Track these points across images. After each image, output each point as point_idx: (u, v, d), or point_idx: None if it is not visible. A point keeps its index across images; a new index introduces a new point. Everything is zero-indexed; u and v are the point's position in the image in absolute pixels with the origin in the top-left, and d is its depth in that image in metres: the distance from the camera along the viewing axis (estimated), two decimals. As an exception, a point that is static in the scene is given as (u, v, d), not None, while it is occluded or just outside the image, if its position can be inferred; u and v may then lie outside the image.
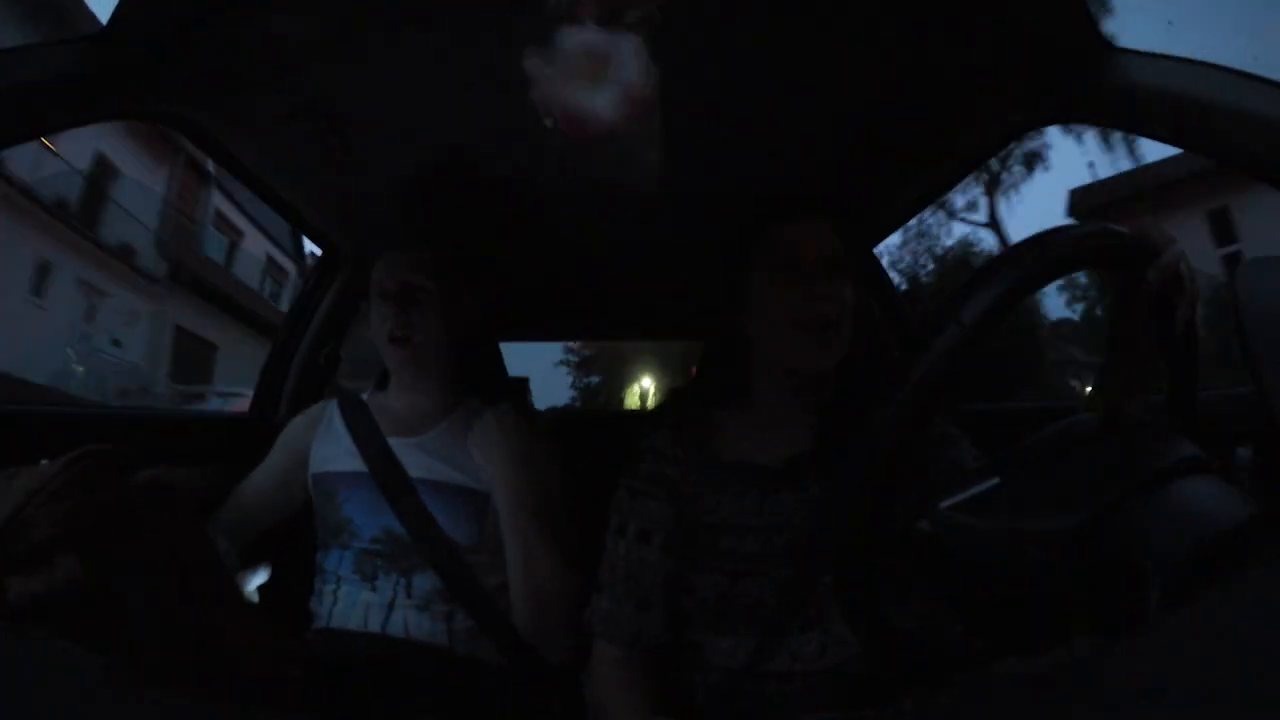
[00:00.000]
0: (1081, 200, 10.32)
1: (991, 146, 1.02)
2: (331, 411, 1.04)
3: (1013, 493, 0.43)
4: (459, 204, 1.21)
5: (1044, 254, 0.43)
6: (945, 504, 0.43)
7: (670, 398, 0.98)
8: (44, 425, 0.98)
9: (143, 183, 11.26)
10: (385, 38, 0.78)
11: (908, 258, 11.44)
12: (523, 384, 1.59)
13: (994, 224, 11.29)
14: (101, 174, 10.46)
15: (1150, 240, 0.48)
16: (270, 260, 15.60)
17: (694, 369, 0.96)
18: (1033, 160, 11.14)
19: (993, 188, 11.17)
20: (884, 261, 1.53)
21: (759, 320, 0.81)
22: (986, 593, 0.44)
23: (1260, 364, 0.39)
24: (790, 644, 0.71)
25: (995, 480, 0.44)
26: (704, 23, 0.76)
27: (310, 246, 1.44)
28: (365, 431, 0.98)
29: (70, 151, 9.46)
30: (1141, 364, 0.55)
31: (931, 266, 11.36)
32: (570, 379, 16.54)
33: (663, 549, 0.78)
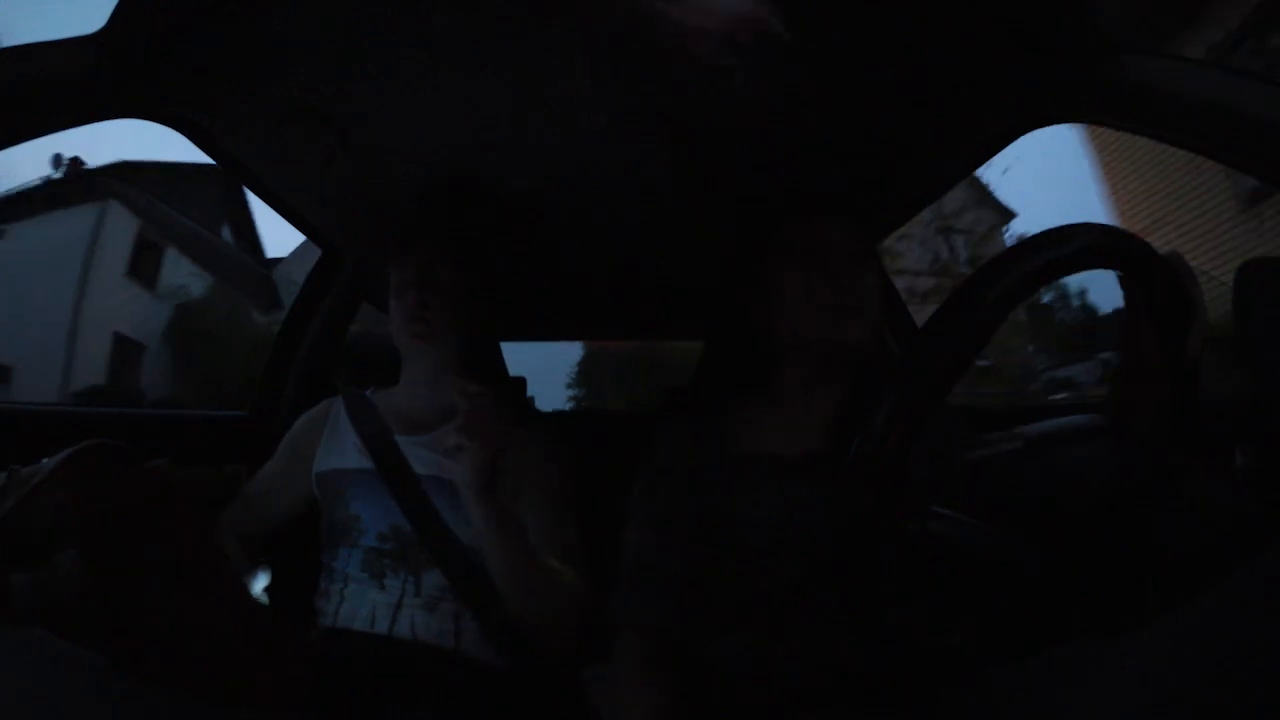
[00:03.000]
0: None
1: (991, 146, 1.02)
2: (337, 410, 1.04)
3: (1016, 484, 0.44)
4: (459, 204, 1.21)
5: (1071, 243, 0.43)
6: (970, 456, 0.44)
7: (674, 396, 0.98)
8: (44, 424, 0.98)
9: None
10: (385, 37, 0.78)
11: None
12: (520, 383, 1.59)
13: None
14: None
15: (1175, 269, 0.49)
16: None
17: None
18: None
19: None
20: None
21: (787, 307, 0.81)
22: (986, 593, 0.44)
23: (1260, 364, 0.39)
24: (794, 643, 0.71)
25: (1019, 442, 0.44)
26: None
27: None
28: (372, 429, 0.97)
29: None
30: (1153, 377, 0.56)
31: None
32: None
33: (683, 539, 0.77)
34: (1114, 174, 7.75)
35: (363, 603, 0.89)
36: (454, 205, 1.20)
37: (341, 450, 0.98)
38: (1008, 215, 13.55)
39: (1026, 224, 13.62)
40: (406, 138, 1.00)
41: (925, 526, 0.44)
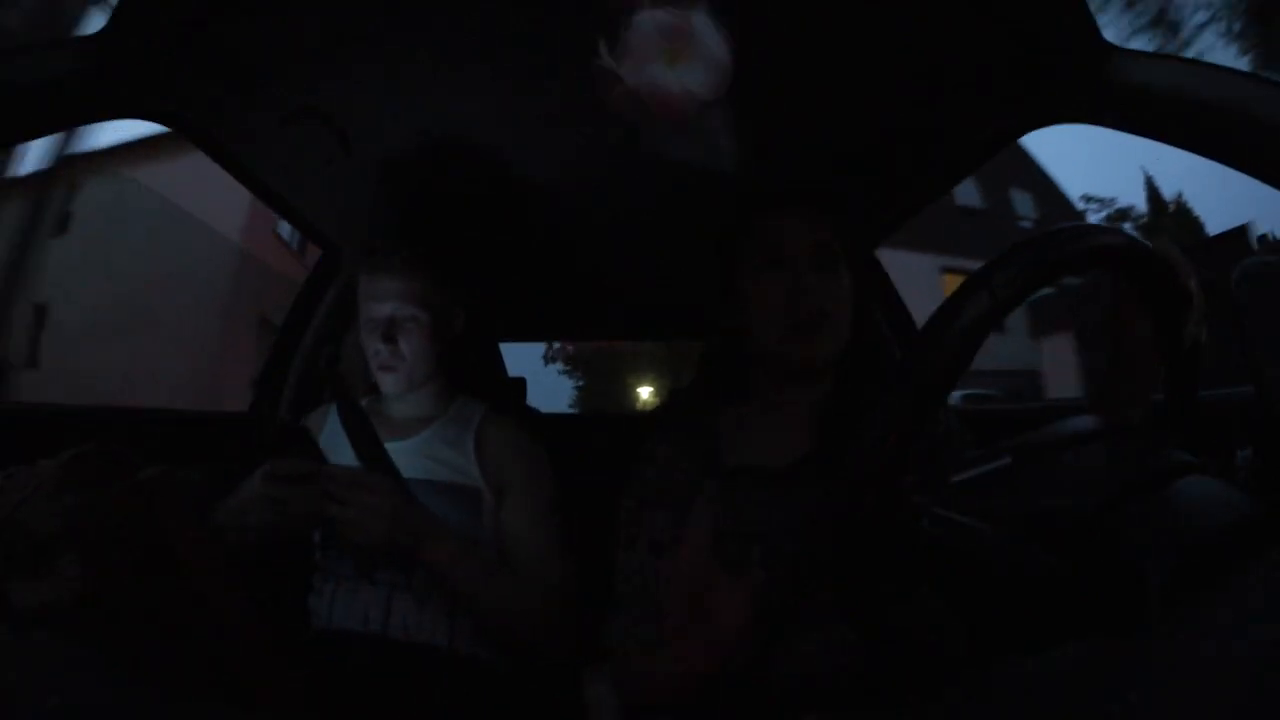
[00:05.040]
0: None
1: (991, 147, 1.02)
2: (332, 416, 1.04)
3: (1015, 484, 0.44)
4: (459, 204, 1.21)
5: (1072, 244, 0.43)
6: (955, 479, 0.44)
7: (671, 400, 0.98)
8: (44, 424, 0.98)
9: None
10: (386, 38, 0.78)
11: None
12: (520, 384, 1.59)
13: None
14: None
15: (1170, 258, 0.49)
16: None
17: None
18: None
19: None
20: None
21: (750, 316, 0.80)
22: (986, 593, 0.44)
23: (1260, 364, 0.39)
24: (792, 647, 0.71)
25: (1006, 459, 0.44)
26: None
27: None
28: (362, 436, 0.98)
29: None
30: (1143, 371, 0.56)
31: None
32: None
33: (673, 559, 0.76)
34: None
35: (355, 600, 0.89)
36: (447, 206, 1.20)
37: (336, 457, 0.99)
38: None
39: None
40: (406, 138, 1.00)
41: (925, 526, 0.44)
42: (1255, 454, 0.54)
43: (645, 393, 14.72)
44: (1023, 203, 15.22)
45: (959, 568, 0.44)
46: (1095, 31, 0.70)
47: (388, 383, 1.00)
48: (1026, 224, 14.45)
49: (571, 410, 11.62)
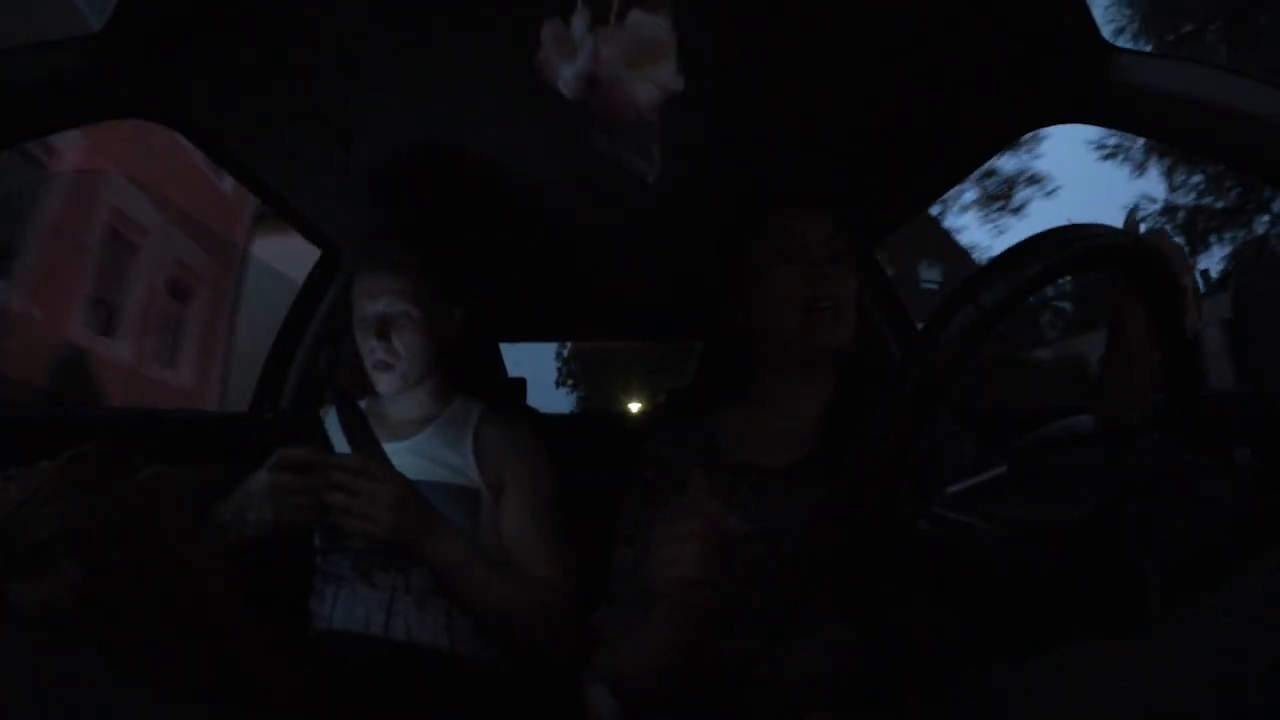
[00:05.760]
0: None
1: (991, 147, 1.02)
2: (331, 419, 1.05)
3: (1015, 485, 0.44)
4: (459, 204, 1.21)
5: (1066, 246, 0.43)
6: (951, 489, 0.44)
7: (671, 400, 0.98)
8: (43, 425, 0.98)
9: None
10: (385, 37, 0.78)
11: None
12: (520, 384, 1.59)
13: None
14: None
15: (1165, 253, 0.49)
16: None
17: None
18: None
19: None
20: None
21: (763, 307, 0.80)
22: (986, 593, 0.44)
23: (1258, 361, 0.39)
24: (792, 647, 0.71)
25: (1002, 468, 0.44)
26: (705, 22, 0.76)
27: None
28: (361, 437, 0.98)
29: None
30: (1143, 370, 0.56)
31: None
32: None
33: None
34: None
35: (356, 602, 0.89)
36: (447, 206, 1.20)
37: None
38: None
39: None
40: (405, 138, 1.00)
41: (925, 527, 0.44)
42: (1255, 454, 0.54)
43: (645, 393, 14.75)
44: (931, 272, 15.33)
45: (959, 568, 0.44)
46: (1095, 31, 0.70)
47: (383, 382, 1.00)
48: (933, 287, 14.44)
49: (572, 410, 11.64)
